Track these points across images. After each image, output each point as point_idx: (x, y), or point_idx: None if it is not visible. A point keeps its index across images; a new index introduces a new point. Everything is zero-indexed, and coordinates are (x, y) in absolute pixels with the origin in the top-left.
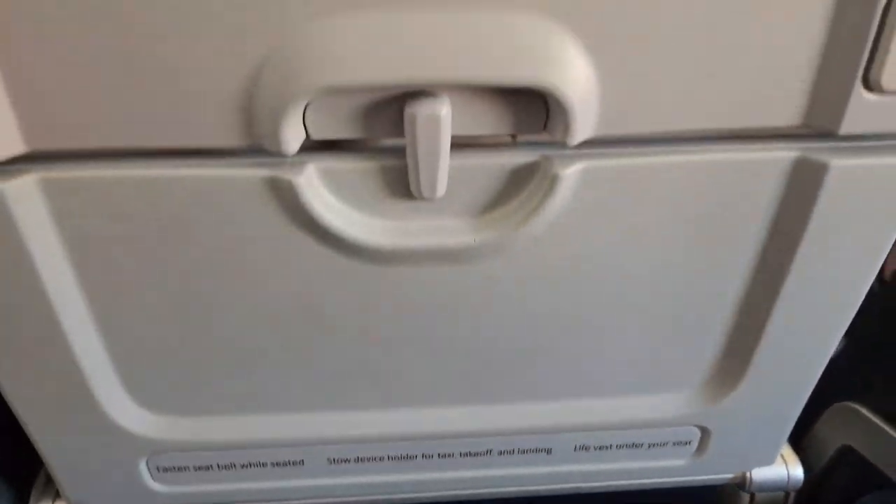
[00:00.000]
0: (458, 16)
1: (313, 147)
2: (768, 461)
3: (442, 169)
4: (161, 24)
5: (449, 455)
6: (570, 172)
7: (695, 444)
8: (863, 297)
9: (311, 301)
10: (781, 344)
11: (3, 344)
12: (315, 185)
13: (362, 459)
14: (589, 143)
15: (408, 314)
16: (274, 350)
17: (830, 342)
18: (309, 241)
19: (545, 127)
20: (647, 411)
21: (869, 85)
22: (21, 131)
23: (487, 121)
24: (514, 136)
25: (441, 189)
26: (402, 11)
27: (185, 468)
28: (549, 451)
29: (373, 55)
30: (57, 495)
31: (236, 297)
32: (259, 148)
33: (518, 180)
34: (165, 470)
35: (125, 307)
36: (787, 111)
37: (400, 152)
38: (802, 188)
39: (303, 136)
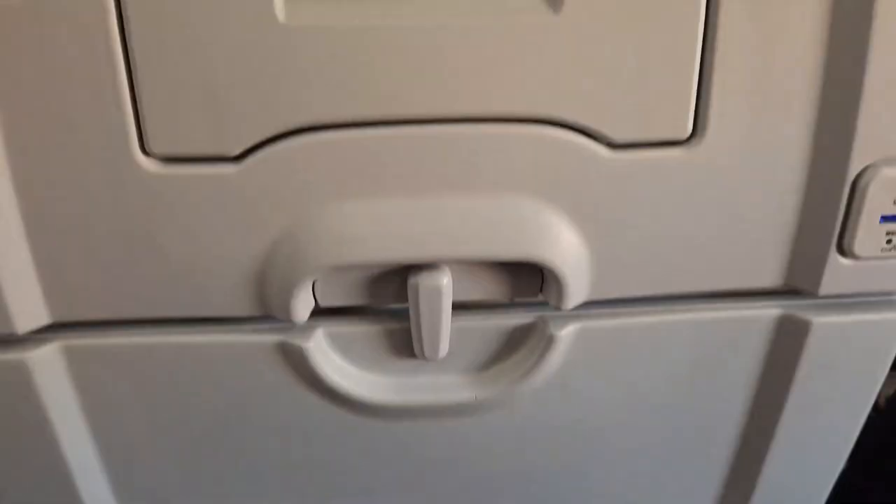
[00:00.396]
0: (456, 199)
1: (321, 311)
2: None
3: (444, 334)
4: (181, 214)
5: None
6: (566, 333)
7: None
8: (857, 433)
9: (318, 453)
10: (780, 481)
11: (16, 486)
12: (323, 349)
13: None
14: (583, 304)
15: (412, 464)
16: (281, 499)
17: (828, 476)
18: (316, 398)
19: (541, 290)
20: None
21: (843, 251)
22: (47, 304)
23: (486, 287)
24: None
25: (443, 351)
26: (405, 196)
27: None
28: None
29: (378, 236)
30: None
31: (245, 451)
32: (270, 315)
33: (516, 339)
34: None
35: (136, 459)
36: (769, 274)
37: (404, 315)
38: (787, 342)
39: (312, 304)
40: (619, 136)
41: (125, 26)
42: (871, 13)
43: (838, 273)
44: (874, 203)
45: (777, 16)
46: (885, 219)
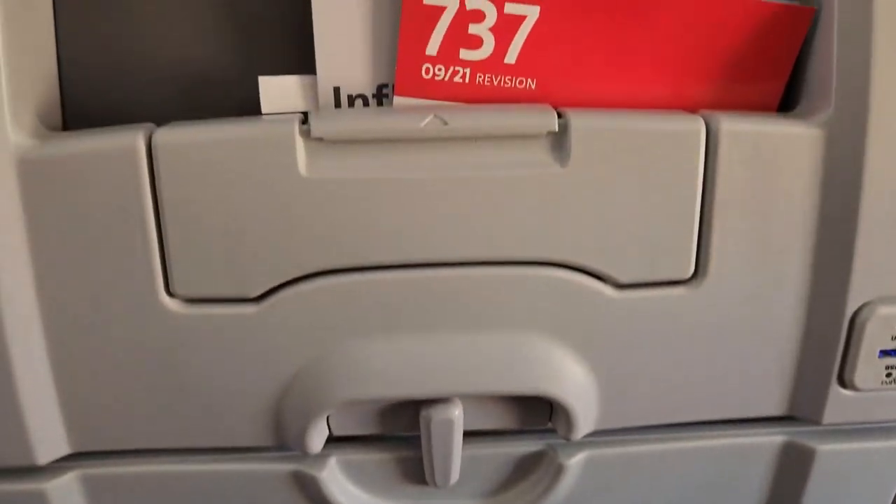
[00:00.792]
0: (468, 336)
1: (334, 438)
2: None
3: (455, 463)
4: (202, 351)
5: None
6: (574, 462)
7: None
8: None
9: None
10: None
11: None
12: (336, 478)
13: None
14: (591, 433)
15: None
16: None
17: None
18: None
19: (550, 419)
20: None
21: (844, 383)
22: (68, 436)
23: (496, 417)
24: None
25: (454, 479)
26: (419, 334)
27: None
28: None
29: (393, 374)
30: None
31: None
32: (285, 445)
33: (526, 466)
34: None
35: None
36: (772, 404)
37: (415, 442)
38: (793, 469)
39: (326, 434)
40: (624, 277)
41: (155, 180)
42: (863, 161)
43: (840, 404)
44: (872, 339)
45: (773, 167)
46: (883, 353)
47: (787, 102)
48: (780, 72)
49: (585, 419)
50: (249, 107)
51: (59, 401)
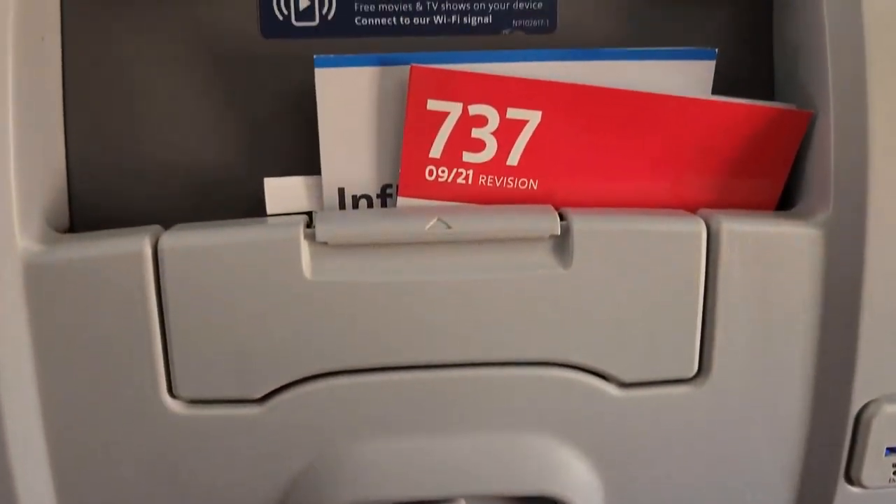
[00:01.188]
0: (473, 437)
1: None
2: None
3: None
4: (205, 451)
5: None
6: None
7: None
8: None
9: None
10: None
11: None
12: None
13: None
14: None
15: None
16: None
17: None
18: None
19: None
20: None
21: (851, 481)
22: None
23: None
24: None
25: None
26: (423, 435)
27: None
28: None
29: (397, 475)
30: None
31: None
32: None
33: None
34: None
35: None
36: (779, 502)
37: None
38: None
39: None
40: (628, 376)
41: (160, 282)
42: (863, 260)
43: (848, 501)
44: (878, 437)
45: (774, 266)
46: (890, 451)
47: (786, 197)
48: (779, 172)
49: None
50: (255, 206)
51: (57, 501)
